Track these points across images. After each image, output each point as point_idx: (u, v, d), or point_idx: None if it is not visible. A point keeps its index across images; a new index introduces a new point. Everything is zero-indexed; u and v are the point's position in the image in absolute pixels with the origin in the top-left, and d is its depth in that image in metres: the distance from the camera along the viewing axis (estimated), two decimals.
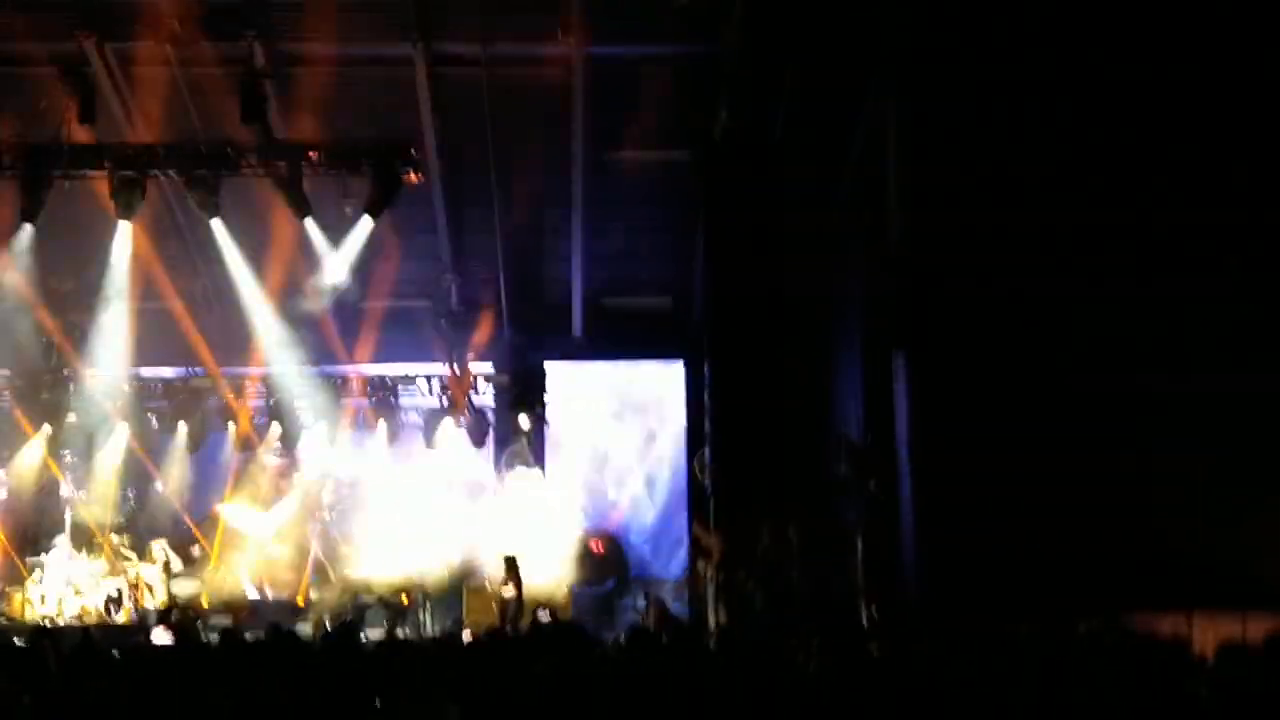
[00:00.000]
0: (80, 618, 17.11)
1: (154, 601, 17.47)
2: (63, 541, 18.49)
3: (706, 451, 19.04)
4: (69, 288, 18.53)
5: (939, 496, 15.11)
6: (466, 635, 15.14)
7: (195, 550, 19.27)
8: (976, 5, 14.75)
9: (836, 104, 16.47)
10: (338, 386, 20.10)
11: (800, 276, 17.82)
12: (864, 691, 8.09)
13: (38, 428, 19.56)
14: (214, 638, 13.69)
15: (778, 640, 11.51)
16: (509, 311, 19.93)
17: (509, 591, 17.35)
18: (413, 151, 16.51)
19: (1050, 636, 9.00)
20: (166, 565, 17.93)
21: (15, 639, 12.08)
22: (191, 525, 19.78)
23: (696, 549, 17.89)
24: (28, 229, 16.61)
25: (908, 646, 11.01)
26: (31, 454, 19.56)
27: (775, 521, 17.23)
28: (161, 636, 14.54)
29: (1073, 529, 13.95)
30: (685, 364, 20.62)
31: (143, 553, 18.24)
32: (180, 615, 16.78)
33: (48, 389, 19.52)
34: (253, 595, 18.84)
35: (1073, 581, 13.40)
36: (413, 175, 16.54)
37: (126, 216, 16.69)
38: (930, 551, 15.22)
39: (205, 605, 18.24)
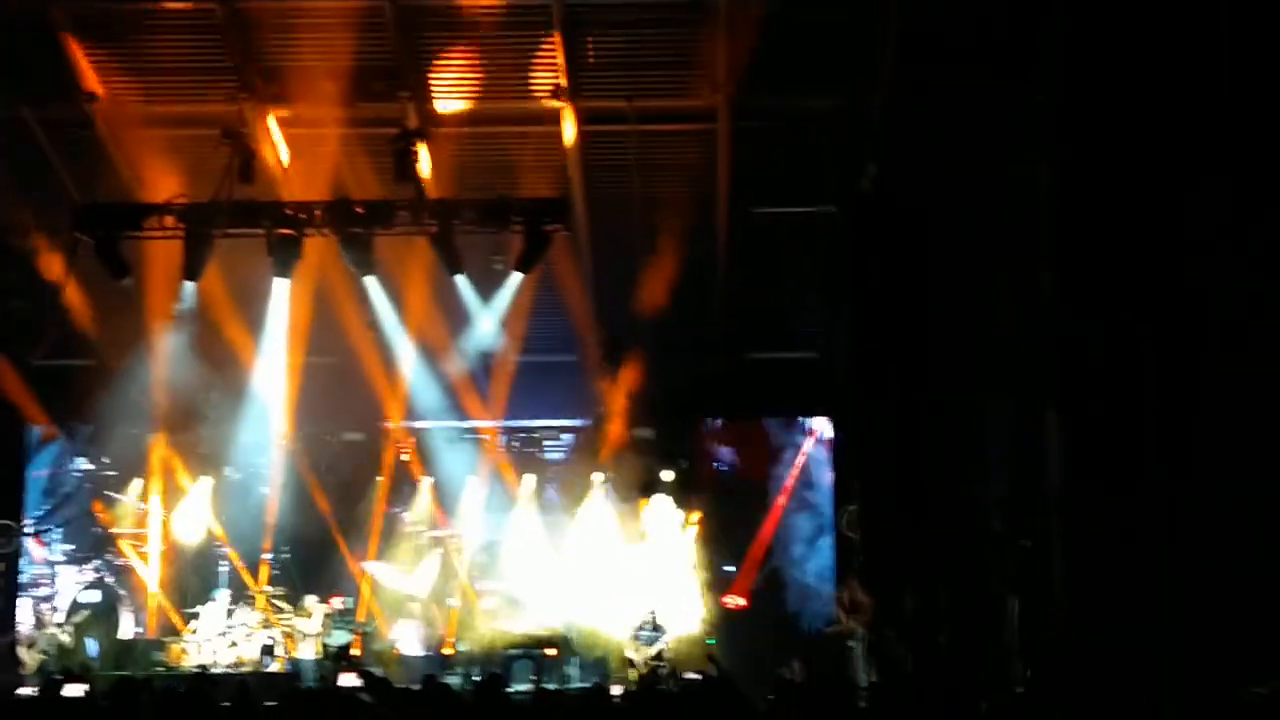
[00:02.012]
0: (236, 666, 17.41)
1: (309, 652, 17.71)
2: (220, 594, 18.89)
3: (854, 508, 18.90)
4: (230, 344, 18.96)
5: (1093, 555, 14.79)
6: (615, 690, 15.12)
7: (343, 603, 19.52)
8: (1127, 60, 14.53)
9: (987, 156, 16.32)
10: (483, 441, 20.31)
11: (949, 331, 17.67)
12: None
13: (196, 481, 20.04)
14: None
15: (930, 701, 11.35)
16: (654, 368, 19.94)
17: (658, 647, 17.32)
18: (562, 208, 16.69)
19: (1219, 700, 8.75)
20: (322, 616, 18.16)
21: (176, 686, 12.36)
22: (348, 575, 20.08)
23: (843, 606, 17.68)
24: (190, 286, 17.07)
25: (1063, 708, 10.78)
26: (192, 507, 20.02)
27: (924, 579, 17.02)
28: (348, 679, 14.86)
29: (1237, 588, 13.54)
30: (832, 419, 20.49)
31: (296, 605, 18.54)
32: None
33: (207, 442, 19.98)
34: (402, 648, 19.00)
35: (1240, 642, 12.99)
36: (563, 231, 16.71)
37: (284, 274, 17.07)
38: (1085, 612, 14.89)
39: (358, 656, 18.46)
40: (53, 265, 17.79)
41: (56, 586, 20.56)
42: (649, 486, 20.04)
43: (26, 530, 19.90)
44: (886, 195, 17.50)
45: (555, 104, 17.10)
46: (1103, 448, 14.69)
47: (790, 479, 20.86)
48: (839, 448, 20.25)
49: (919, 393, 17.81)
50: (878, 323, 18.20)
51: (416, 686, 11.06)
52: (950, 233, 17.30)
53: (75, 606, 19.72)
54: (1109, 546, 14.40)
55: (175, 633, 18.66)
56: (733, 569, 20.57)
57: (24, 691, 16.65)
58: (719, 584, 20.12)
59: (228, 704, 10.02)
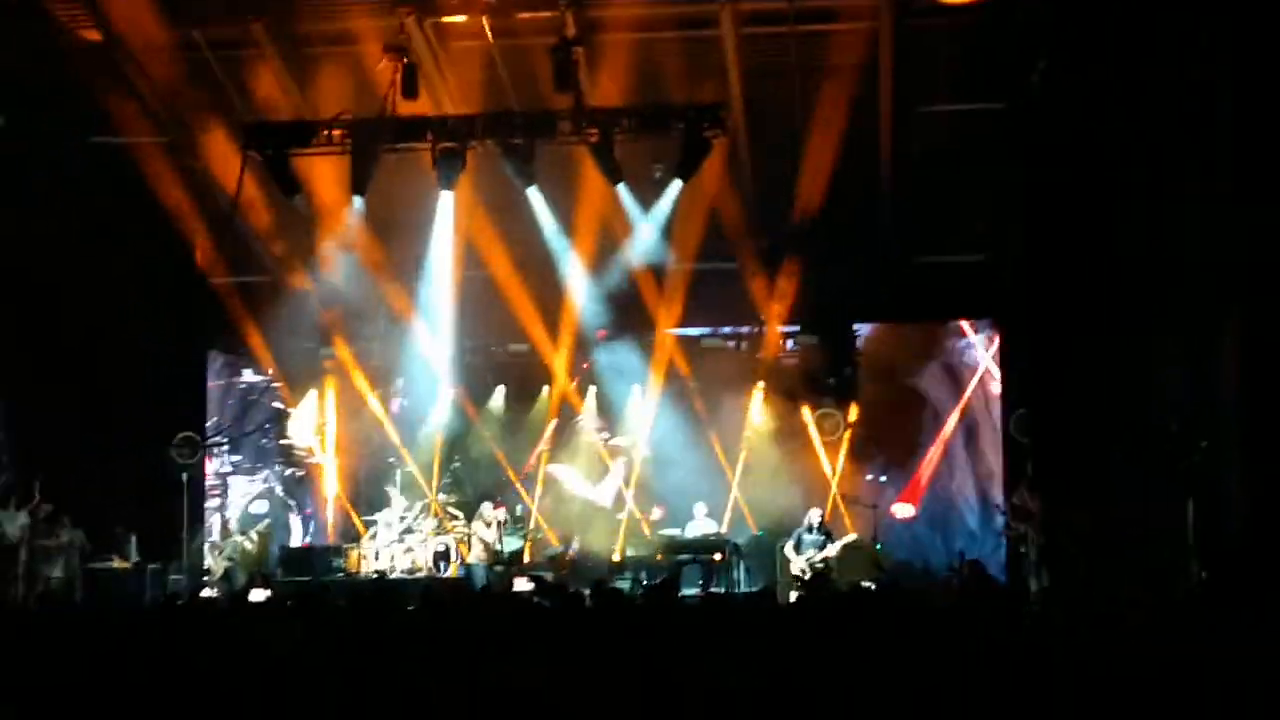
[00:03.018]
0: (412, 572, 17.86)
1: (480, 557, 18.07)
2: (395, 501, 19.36)
3: (1023, 412, 18.58)
4: (399, 257, 19.26)
5: (1270, 460, 14.41)
6: (782, 595, 15.19)
7: (517, 509, 19.88)
8: None
9: (1163, 48, 15.70)
10: (649, 349, 20.39)
11: (1124, 232, 17.15)
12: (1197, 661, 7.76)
13: (374, 390, 20.49)
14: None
15: (1106, 605, 11.17)
16: (818, 271, 19.74)
17: (825, 552, 17.34)
18: (721, 113, 16.52)
19: None
20: (496, 523, 18.48)
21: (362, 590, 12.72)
22: (515, 483, 20.43)
23: (1015, 512, 17.45)
24: (358, 201, 17.33)
25: (1238, 614, 10.53)
26: (366, 417, 20.50)
27: (1097, 483, 16.71)
28: (522, 584, 15.17)
29: None
30: (1001, 324, 20.10)
31: (470, 511, 18.91)
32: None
33: (382, 354, 20.39)
34: (573, 552, 19.30)
35: None
36: (722, 136, 16.55)
37: (449, 187, 17.23)
38: (1261, 516, 14.53)
39: (528, 561, 18.82)
40: (225, 184, 18.13)
41: (229, 497, 21.31)
42: (810, 393, 19.98)
43: (211, 442, 20.54)
44: (1057, 91, 16.97)
45: (713, 6, 16.86)
46: None
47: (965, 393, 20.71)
48: (1007, 353, 19.89)
49: (1095, 296, 17.38)
50: (1049, 224, 17.76)
51: (588, 591, 11.20)
52: (1125, 132, 16.73)
53: (247, 516, 20.41)
54: None
55: (354, 539, 19.18)
56: (895, 477, 20.51)
57: (209, 594, 17.32)
58: (882, 491, 20.06)
59: (411, 608, 10.27)
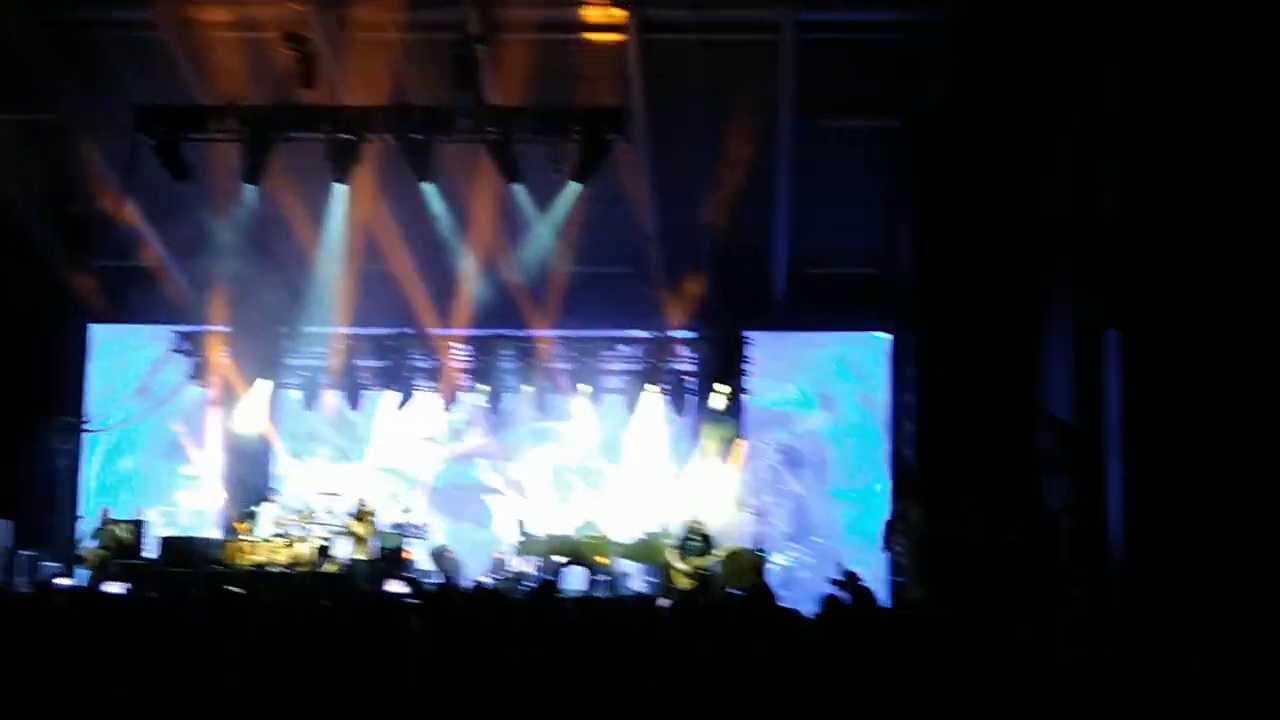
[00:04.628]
0: (292, 566, 17.64)
1: (361, 554, 17.91)
2: (277, 495, 19.15)
3: (909, 425, 18.82)
4: (288, 248, 19.08)
5: (1151, 478, 14.68)
6: (662, 602, 15.21)
7: (402, 508, 19.74)
8: None
9: (1053, 71, 16.04)
10: (540, 350, 20.37)
11: (1010, 249, 17.48)
12: (1069, 674, 7.90)
13: (253, 382, 20.25)
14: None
15: (975, 617, 11.32)
16: (712, 279, 19.89)
17: (705, 561, 17.37)
18: (621, 117, 16.55)
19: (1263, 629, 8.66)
20: (377, 520, 18.35)
21: (230, 587, 12.53)
22: None
23: (896, 524, 17.68)
24: (251, 190, 17.12)
25: (1113, 633, 10.72)
26: (250, 409, 20.26)
27: (978, 498, 16.95)
28: (395, 587, 15.04)
29: None
30: (893, 336, 20.37)
31: (355, 510, 18.73)
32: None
33: (268, 345, 20.18)
34: (452, 550, 19.20)
35: None
36: (621, 141, 16.58)
37: (342, 180, 17.09)
38: (1140, 535, 14.80)
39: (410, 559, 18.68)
40: (114, 167, 17.85)
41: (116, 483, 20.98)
42: (703, 400, 20.06)
43: (87, 427, 20.20)
44: (952, 110, 17.26)
45: (617, 11, 16.87)
46: (1165, 370, 14.53)
47: None
48: (897, 365, 20.13)
49: (980, 311, 17.66)
50: (940, 239, 18.02)
51: (469, 589, 11.16)
52: (1016, 149, 17.06)
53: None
54: (1168, 470, 14.29)
55: (233, 532, 18.93)
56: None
57: (63, 582, 16.99)
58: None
59: (278, 604, 10.12)
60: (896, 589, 17.67)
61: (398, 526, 18.64)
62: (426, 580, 16.96)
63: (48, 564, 18.04)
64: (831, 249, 19.80)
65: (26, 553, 18.05)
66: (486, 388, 20.52)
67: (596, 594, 17.05)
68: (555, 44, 17.14)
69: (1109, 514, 15.11)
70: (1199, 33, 14.18)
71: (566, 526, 18.43)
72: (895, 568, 18.06)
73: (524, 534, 18.18)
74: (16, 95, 18.07)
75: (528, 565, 18.04)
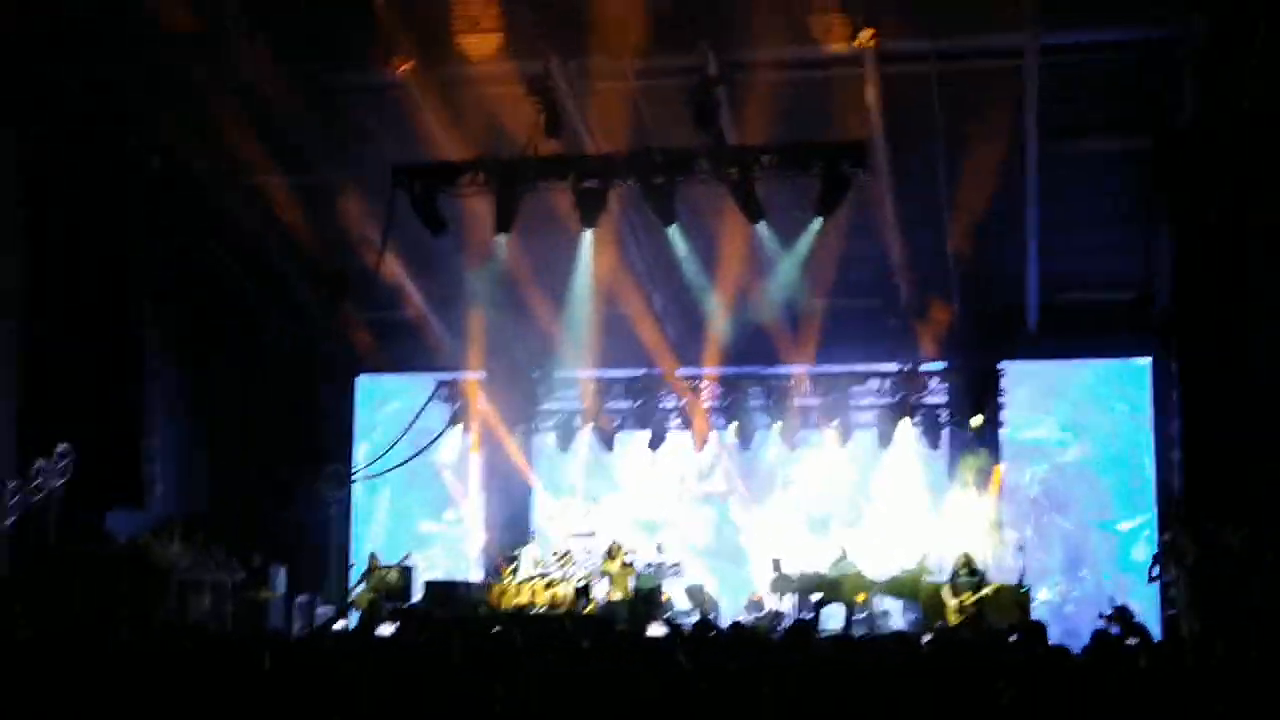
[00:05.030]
0: (552, 608, 17.95)
1: (618, 594, 18.10)
2: (537, 536, 19.53)
3: (1175, 453, 18.19)
4: (541, 294, 19.52)
5: None
6: (925, 638, 14.97)
7: (658, 546, 19.90)
8: None
9: None
10: (789, 387, 20.33)
11: (1271, 268, 16.80)
12: None
13: (512, 427, 20.73)
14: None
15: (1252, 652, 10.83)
16: (961, 310, 19.60)
17: (975, 596, 17.04)
18: (862, 151, 16.46)
19: None
20: (635, 560, 18.54)
21: (491, 628, 12.81)
22: None
23: (1166, 555, 17.06)
24: (502, 239, 17.57)
25: None
26: (510, 453, 20.76)
27: (1250, 526, 16.28)
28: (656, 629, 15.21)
29: None
30: (1153, 361, 19.73)
31: (609, 550, 18.96)
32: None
33: (524, 390, 20.65)
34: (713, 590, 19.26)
35: None
36: (862, 175, 16.49)
37: (590, 225, 17.40)
38: None
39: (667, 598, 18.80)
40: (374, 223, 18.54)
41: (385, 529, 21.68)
42: (957, 433, 19.73)
43: (357, 475, 20.92)
44: (1204, 127, 16.67)
45: (855, 46, 16.80)
46: None
47: None
48: (1159, 390, 19.48)
49: (1246, 331, 17.02)
50: (1199, 258, 17.43)
51: (726, 628, 11.17)
52: (1272, 163, 16.40)
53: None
54: None
55: (496, 574, 19.36)
56: None
57: (339, 625, 17.61)
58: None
59: (536, 648, 10.31)
60: (1169, 622, 17.03)
61: (653, 566, 18.79)
62: (684, 620, 17.06)
63: (321, 608, 18.73)
64: (1085, 274, 19.30)
65: (301, 598, 18.78)
66: (737, 426, 20.56)
67: (854, 632, 16.89)
68: (793, 81, 17.14)
69: None
70: None
71: (822, 564, 18.30)
72: (1167, 600, 17.40)
73: (779, 572, 18.12)
74: (281, 159, 18.94)
75: (784, 604, 17.97)
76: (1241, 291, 16.94)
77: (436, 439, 21.03)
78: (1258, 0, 15.21)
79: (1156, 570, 17.52)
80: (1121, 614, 16.02)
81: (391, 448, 20.56)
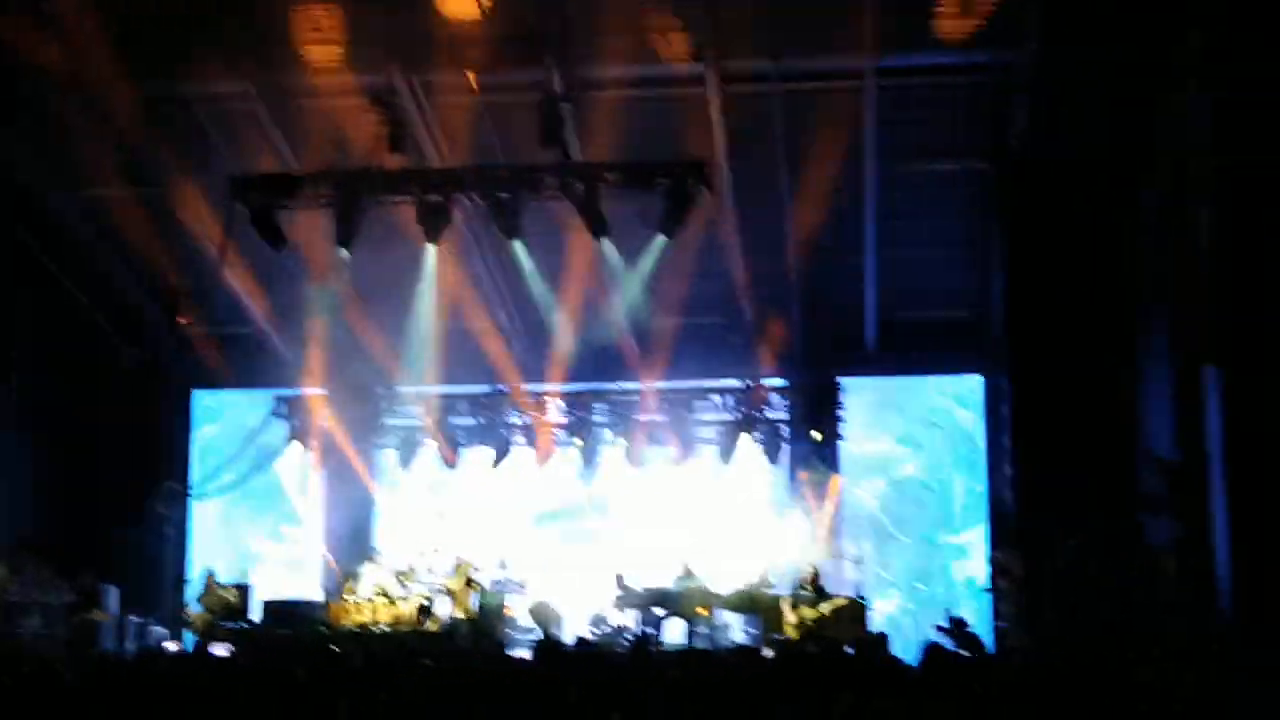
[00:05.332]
0: (394, 626, 17.77)
1: (461, 611, 18.00)
2: (380, 554, 19.33)
3: (1007, 468, 18.66)
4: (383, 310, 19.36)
5: (1256, 514, 14.43)
6: (767, 652, 15.14)
7: (501, 563, 19.82)
8: None
9: (1140, 107, 15.92)
10: (633, 403, 20.44)
11: (1104, 287, 17.33)
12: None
13: (354, 444, 20.51)
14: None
15: (1080, 663, 11.17)
16: (802, 327, 19.92)
17: (816, 612, 17.27)
18: (705, 169, 16.64)
19: None
20: (479, 577, 18.44)
21: (332, 646, 12.68)
22: None
23: (1000, 567, 17.49)
24: (343, 254, 17.38)
25: (1221, 671, 10.54)
26: (351, 470, 20.54)
27: (1079, 539, 16.74)
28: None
29: None
30: (984, 378, 20.25)
31: (454, 567, 18.83)
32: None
33: (366, 406, 20.45)
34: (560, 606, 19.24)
35: None
36: (706, 192, 16.67)
37: (433, 240, 17.31)
38: (1246, 572, 14.53)
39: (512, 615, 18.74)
40: (213, 237, 18.22)
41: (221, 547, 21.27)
42: (798, 448, 20.01)
43: (192, 494, 20.52)
44: (1038, 149, 17.17)
45: (698, 65, 16.98)
46: (1268, 405, 14.31)
47: None
48: (992, 407, 19.98)
49: (1076, 351, 17.52)
50: (1032, 280, 17.91)
51: (570, 644, 11.20)
52: (1106, 185, 16.96)
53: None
54: (1274, 507, 14.04)
55: (337, 593, 19.11)
56: None
57: (171, 646, 17.24)
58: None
59: (381, 665, 10.23)
60: (1001, 634, 17.44)
61: (497, 583, 18.71)
62: (528, 637, 17.02)
63: (155, 629, 18.31)
64: (922, 293, 19.75)
65: (134, 619, 18.33)
66: (580, 442, 20.61)
67: (697, 646, 17.02)
68: (638, 99, 17.27)
69: (1215, 551, 14.85)
70: None
71: (665, 579, 18.40)
72: (998, 613, 17.83)
73: (623, 587, 18.17)
74: (120, 170, 18.52)
75: (627, 618, 18.03)
76: (1071, 310, 17.44)
77: (276, 456, 20.73)
78: (1087, 26, 15.68)
79: (990, 583, 17.96)
80: (956, 626, 16.41)
81: (230, 465, 20.20)
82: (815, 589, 17.47)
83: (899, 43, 16.52)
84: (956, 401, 21.08)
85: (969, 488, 20.88)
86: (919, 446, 21.39)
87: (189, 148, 18.32)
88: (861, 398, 20.60)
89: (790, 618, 17.20)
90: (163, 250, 19.25)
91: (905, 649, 13.68)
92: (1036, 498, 17.68)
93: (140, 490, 19.33)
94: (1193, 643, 14.43)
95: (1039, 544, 16.92)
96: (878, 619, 18.64)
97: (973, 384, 20.60)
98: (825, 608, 17.22)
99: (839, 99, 17.26)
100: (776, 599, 17.64)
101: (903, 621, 20.32)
